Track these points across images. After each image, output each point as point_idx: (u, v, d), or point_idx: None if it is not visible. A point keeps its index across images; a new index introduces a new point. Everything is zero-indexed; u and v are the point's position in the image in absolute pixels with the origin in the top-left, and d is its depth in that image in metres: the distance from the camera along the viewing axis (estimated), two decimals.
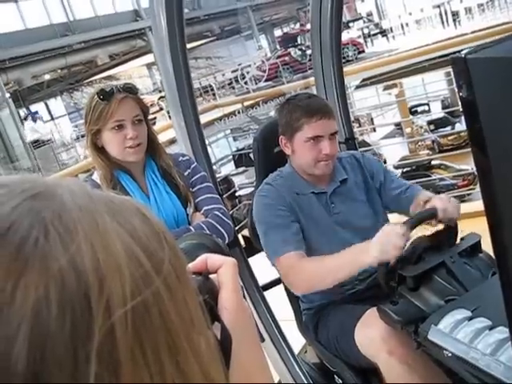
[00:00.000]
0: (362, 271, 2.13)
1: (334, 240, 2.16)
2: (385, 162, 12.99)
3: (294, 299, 2.42)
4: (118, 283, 0.36)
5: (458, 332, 1.43)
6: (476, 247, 1.81)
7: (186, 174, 2.09)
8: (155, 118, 18.41)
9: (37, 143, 18.19)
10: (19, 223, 0.35)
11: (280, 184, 2.20)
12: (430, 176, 11.88)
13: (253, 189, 2.54)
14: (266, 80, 21.89)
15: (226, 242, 2.07)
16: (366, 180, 2.29)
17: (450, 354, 1.43)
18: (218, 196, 2.12)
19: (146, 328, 0.37)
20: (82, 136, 20.61)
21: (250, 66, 21.61)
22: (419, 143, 16.67)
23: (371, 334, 1.89)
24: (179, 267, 0.42)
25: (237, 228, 4.49)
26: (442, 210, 1.86)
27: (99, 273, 0.35)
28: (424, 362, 1.80)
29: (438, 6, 25.40)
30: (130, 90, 1.94)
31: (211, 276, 0.64)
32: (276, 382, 2.65)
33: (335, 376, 2.29)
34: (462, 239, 1.87)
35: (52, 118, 26.16)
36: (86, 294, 0.34)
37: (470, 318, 1.47)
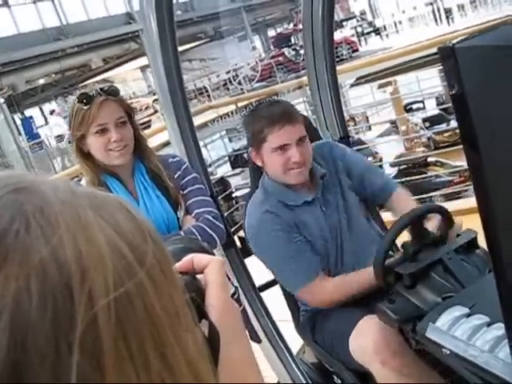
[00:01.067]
0: None
1: (331, 242, 2.17)
2: (380, 160, 13.05)
3: (291, 300, 2.40)
4: (101, 274, 0.36)
5: (456, 329, 1.42)
6: (472, 243, 1.80)
7: (176, 175, 2.04)
8: (150, 121, 18.43)
9: (61, 137, 18.60)
10: (0, 216, 0.35)
11: (273, 205, 2.14)
12: (426, 173, 11.85)
13: (249, 189, 2.51)
14: (261, 80, 21.94)
15: (217, 245, 2.05)
16: (337, 172, 2.25)
17: (448, 352, 1.42)
18: (209, 198, 2.08)
19: (130, 319, 0.36)
20: None
21: (243, 67, 21.67)
22: (415, 141, 16.67)
23: (364, 344, 1.88)
24: (164, 262, 0.42)
25: (233, 229, 4.48)
26: None
27: (81, 264, 0.35)
28: (419, 372, 1.79)
29: (431, 4, 25.51)
30: (111, 92, 1.89)
31: (198, 276, 0.63)
32: (275, 382, 2.64)
33: (334, 376, 2.28)
34: (458, 236, 1.86)
35: (47, 123, 26.11)
36: (67, 285, 0.34)
37: (468, 315, 1.45)
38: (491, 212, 0.59)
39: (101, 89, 1.87)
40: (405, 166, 13.03)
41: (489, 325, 1.39)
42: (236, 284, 2.38)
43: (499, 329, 1.34)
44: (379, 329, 1.80)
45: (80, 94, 1.87)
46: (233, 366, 0.60)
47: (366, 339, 1.86)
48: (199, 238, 1.90)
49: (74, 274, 0.35)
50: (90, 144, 1.91)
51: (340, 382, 2.22)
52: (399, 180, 6.86)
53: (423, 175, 11.14)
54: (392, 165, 12.99)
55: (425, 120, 17.45)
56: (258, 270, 2.60)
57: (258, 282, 2.61)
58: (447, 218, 1.89)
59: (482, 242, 1.82)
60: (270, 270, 2.25)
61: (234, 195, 12.73)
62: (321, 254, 2.15)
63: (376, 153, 14.38)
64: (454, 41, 0.53)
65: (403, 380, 1.77)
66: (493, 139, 0.57)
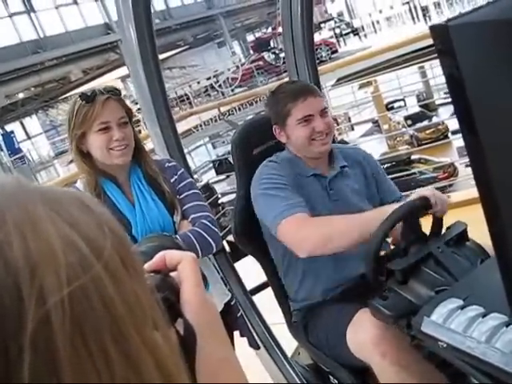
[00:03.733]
0: (349, 270, 2.13)
1: None
2: None
3: (283, 300, 2.39)
4: (52, 269, 0.34)
5: (452, 322, 1.41)
6: (462, 236, 1.79)
7: (172, 180, 2.03)
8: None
9: None
10: None
11: (282, 164, 2.18)
12: (410, 170, 11.93)
13: (235, 195, 2.50)
14: (242, 86, 21.99)
15: (214, 250, 2.03)
16: (367, 175, 2.28)
17: (445, 345, 1.41)
18: (205, 203, 2.07)
19: (87, 316, 0.35)
20: (61, 153, 20.60)
21: (224, 72, 21.75)
22: (398, 139, 16.78)
23: (363, 337, 1.86)
24: (125, 255, 0.40)
25: (221, 234, 4.47)
26: (432, 196, 1.84)
27: (30, 259, 0.34)
28: (418, 363, 1.78)
29: (408, 3, 25.72)
30: (114, 92, 1.88)
31: (172, 274, 0.62)
32: None
33: (330, 376, 2.27)
34: (448, 228, 1.86)
35: (28, 137, 25.95)
36: (15, 282, 0.33)
37: (463, 307, 1.45)
38: (491, 193, 0.58)
39: (103, 88, 1.87)
40: (389, 164, 13.10)
41: (484, 315, 1.39)
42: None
43: (495, 319, 1.34)
44: (376, 321, 1.78)
45: (82, 93, 1.85)
46: (212, 365, 0.58)
47: (364, 333, 1.84)
48: (196, 243, 1.89)
49: (23, 270, 0.33)
50: (91, 143, 1.88)
51: (336, 381, 2.21)
52: None
53: (408, 172, 11.20)
54: None
55: (407, 118, 17.60)
56: (248, 274, 2.60)
57: (250, 284, 2.60)
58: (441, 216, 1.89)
59: (471, 234, 1.83)
60: (256, 208, 2.18)
61: (219, 201, 12.72)
62: None
63: None
64: (446, 19, 0.52)
65: (403, 372, 1.76)
66: (491, 119, 0.56)
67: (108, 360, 0.35)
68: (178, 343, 0.51)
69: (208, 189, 12.85)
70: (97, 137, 1.86)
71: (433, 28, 0.54)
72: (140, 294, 0.40)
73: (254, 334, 2.46)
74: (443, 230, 1.88)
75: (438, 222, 1.89)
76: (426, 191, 1.88)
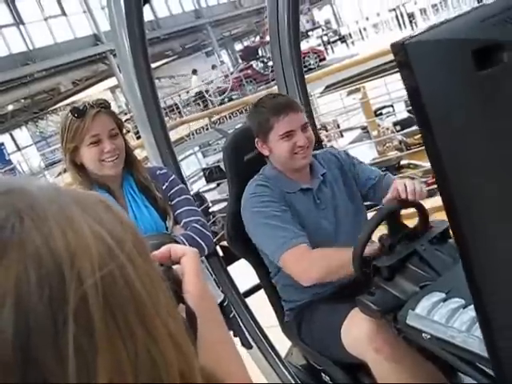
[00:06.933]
0: None
1: (320, 235, 2.21)
2: None
3: (275, 301, 2.44)
4: (87, 258, 0.42)
5: (435, 314, 1.48)
6: (445, 234, 1.87)
7: (164, 187, 2.10)
8: None
9: None
10: None
11: (270, 183, 2.23)
12: (400, 176, 11.96)
13: (226, 203, 2.55)
14: (232, 94, 22.00)
15: (206, 253, 2.09)
16: (344, 173, 2.36)
17: (428, 336, 1.48)
18: (197, 208, 2.14)
19: (115, 296, 0.42)
20: (51, 164, 20.51)
21: (213, 81, 21.75)
22: (387, 145, 16.80)
23: (357, 334, 1.92)
24: (141, 248, 0.48)
25: (214, 240, 4.52)
26: (403, 192, 1.91)
27: (70, 250, 0.41)
28: (413, 358, 1.84)
29: (394, 9, 25.87)
30: (103, 105, 1.95)
31: (174, 267, 0.70)
32: None
33: (322, 374, 2.32)
34: (431, 227, 1.93)
35: (18, 149, 25.84)
36: (59, 268, 0.40)
37: (445, 300, 1.52)
38: (453, 203, 0.64)
39: (93, 102, 1.94)
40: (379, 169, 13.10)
41: (465, 307, 1.46)
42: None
43: (474, 310, 1.41)
44: (370, 319, 1.85)
45: (73, 107, 1.92)
46: (211, 347, 0.65)
47: (358, 329, 1.90)
48: (188, 246, 1.94)
49: (65, 259, 0.41)
50: (84, 155, 1.96)
51: (328, 378, 2.27)
52: None
53: (397, 177, 11.23)
54: None
55: (395, 124, 17.61)
56: (242, 276, 2.65)
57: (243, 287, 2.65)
58: (422, 213, 1.96)
59: None
60: (254, 239, 2.24)
61: (210, 210, 12.68)
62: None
63: None
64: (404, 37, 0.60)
65: (398, 367, 1.82)
66: (449, 129, 0.63)
67: (132, 333, 0.43)
68: (184, 322, 0.58)
69: (199, 197, 12.81)
70: (89, 150, 1.94)
71: (392, 45, 0.61)
72: (153, 278, 0.48)
73: (247, 334, 2.51)
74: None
75: (423, 221, 1.96)
76: (400, 185, 1.94)
